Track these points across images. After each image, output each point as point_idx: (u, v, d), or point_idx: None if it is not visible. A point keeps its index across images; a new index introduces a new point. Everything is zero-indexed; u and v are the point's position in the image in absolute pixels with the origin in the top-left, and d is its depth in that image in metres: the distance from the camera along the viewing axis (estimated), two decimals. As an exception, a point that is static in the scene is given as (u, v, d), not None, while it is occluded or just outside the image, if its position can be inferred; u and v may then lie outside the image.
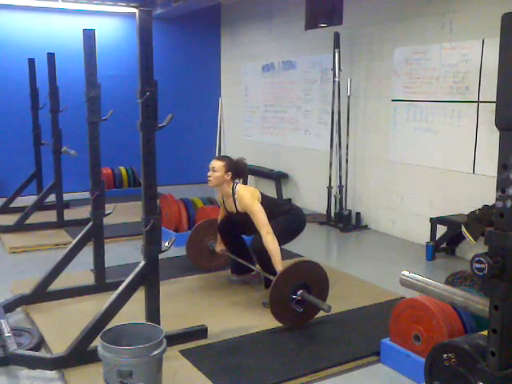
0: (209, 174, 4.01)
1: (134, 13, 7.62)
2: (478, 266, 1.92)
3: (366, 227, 6.34)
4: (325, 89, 6.88)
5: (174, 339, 3.12)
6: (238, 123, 9.03)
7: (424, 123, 5.56)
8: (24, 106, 6.90)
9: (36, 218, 6.03)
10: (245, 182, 6.92)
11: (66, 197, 6.57)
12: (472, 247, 4.75)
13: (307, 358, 3.12)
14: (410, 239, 5.77)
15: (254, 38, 8.39)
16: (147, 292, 3.03)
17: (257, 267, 4.09)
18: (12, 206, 6.72)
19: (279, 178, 7.67)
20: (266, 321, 3.55)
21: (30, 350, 3.09)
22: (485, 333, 2.32)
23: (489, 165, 4.82)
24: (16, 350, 2.94)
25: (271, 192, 7.01)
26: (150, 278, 3.02)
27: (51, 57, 5.88)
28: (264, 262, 3.86)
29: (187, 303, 3.96)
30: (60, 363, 2.93)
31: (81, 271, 4.44)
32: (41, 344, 3.25)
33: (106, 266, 4.09)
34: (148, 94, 2.84)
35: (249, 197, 3.91)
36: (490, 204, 4.58)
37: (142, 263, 3.02)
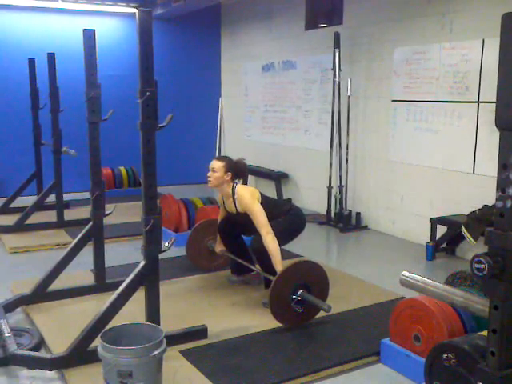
0: (208, 174, 4.00)
1: (134, 13, 7.62)
2: (477, 266, 1.92)
3: (366, 227, 6.34)
4: (325, 89, 6.88)
5: (174, 339, 3.12)
6: (238, 123, 9.03)
7: (424, 123, 5.56)
8: (24, 106, 6.90)
9: (36, 218, 6.03)
10: (245, 183, 6.92)
11: (66, 197, 6.58)
12: (472, 247, 4.75)
13: (307, 358, 3.12)
14: (410, 239, 5.77)
15: (254, 38, 8.39)
16: (147, 292, 3.03)
17: (257, 267, 4.09)
18: (12, 206, 6.72)
19: (279, 177, 7.67)
20: (266, 321, 3.55)
21: (30, 350, 3.09)
22: (485, 333, 2.32)
23: (489, 165, 4.82)
24: (16, 350, 2.94)
25: (271, 192, 7.02)
26: (150, 278, 3.02)
27: (51, 57, 5.88)
28: (264, 263, 3.86)
29: (187, 303, 3.96)
30: (60, 363, 2.93)
31: (81, 271, 4.44)
32: (41, 344, 3.25)
33: (106, 266, 4.09)
34: (148, 93, 2.84)
35: (249, 197, 3.91)
36: (490, 204, 4.58)
37: (142, 263, 3.02)
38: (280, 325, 3.50)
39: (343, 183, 6.40)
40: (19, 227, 5.88)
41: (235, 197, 4.01)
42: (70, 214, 6.35)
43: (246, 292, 4.17)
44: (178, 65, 9.01)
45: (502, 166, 1.88)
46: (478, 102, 4.97)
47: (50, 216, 6.17)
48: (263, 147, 8.33)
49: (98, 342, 2.53)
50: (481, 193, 4.89)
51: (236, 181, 4.07)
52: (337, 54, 6.21)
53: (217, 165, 3.98)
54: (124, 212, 6.52)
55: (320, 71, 6.99)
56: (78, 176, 7.52)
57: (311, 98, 7.22)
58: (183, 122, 8.71)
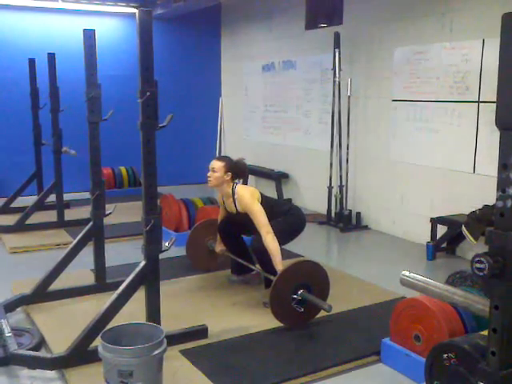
0: (208, 174, 4.01)
1: (134, 13, 7.62)
2: (478, 265, 1.92)
3: (366, 227, 6.34)
4: (325, 89, 6.88)
5: (174, 339, 3.12)
6: (238, 123, 9.03)
7: (424, 123, 5.55)
8: (24, 105, 6.90)
9: (36, 218, 6.03)
10: (245, 183, 6.92)
11: (67, 197, 6.57)
12: (472, 247, 4.75)
13: (307, 358, 3.12)
14: (411, 239, 5.77)
15: (254, 37, 8.39)
16: (147, 292, 3.03)
17: (257, 267, 4.09)
18: (12, 206, 6.72)
19: (279, 177, 7.67)
20: (266, 321, 3.55)
21: (31, 349, 3.09)
22: (485, 332, 2.32)
23: (489, 165, 4.81)
24: (16, 349, 2.94)
25: (271, 192, 7.02)
26: (150, 278, 3.02)
27: (51, 57, 5.89)
28: (264, 262, 3.86)
29: (187, 303, 3.96)
30: (60, 363, 2.93)
31: (81, 271, 4.43)
32: (41, 344, 3.25)
33: (106, 265, 4.09)
34: (148, 93, 2.84)
35: (249, 197, 3.91)
36: (491, 204, 4.58)
37: (143, 263, 3.02)
38: (280, 325, 3.50)
39: (343, 183, 6.40)
40: (19, 227, 5.88)
41: (235, 197, 4.01)
42: (70, 214, 6.35)
43: (247, 292, 4.17)
44: (178, 65, 9.01)
45: (503, 166, 1.88)
46: (479, 101, 4.97)
47: (51, 216, 6.17)
48: (263, 147, 8.33)
49: (98, 342, 2.53)
50: (481, 193, 4.88)
51: (236, 181, 4.07)
52: (337, 54, 6.21)
53: (217, 165, 3.98)
54: (124, 212, 6.51)
55: (320, 71, 6.99)
56: (78, 176, 7.50)
57: (311, 97, 7.22)
58: (183, 121, 8.71)
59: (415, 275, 2.76)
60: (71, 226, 5.96)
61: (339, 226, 6.32)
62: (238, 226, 4.23)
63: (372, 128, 6.26)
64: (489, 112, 4.84)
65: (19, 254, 5.27)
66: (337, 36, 6.20)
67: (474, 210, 4.69)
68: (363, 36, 6.27)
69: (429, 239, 5.23)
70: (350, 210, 6.39)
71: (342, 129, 6.37)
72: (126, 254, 5.07)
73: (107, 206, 4.17)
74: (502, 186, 1.89)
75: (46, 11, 7.96)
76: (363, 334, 3.42)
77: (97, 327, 2.92)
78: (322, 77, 6.96)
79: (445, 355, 2.39)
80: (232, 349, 3.23)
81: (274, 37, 7.93)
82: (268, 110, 8.18)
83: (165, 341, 2.55)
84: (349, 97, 6.30)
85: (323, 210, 6.69)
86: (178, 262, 4.84)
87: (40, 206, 6.20)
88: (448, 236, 5.12)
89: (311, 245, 5.58)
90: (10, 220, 6.04)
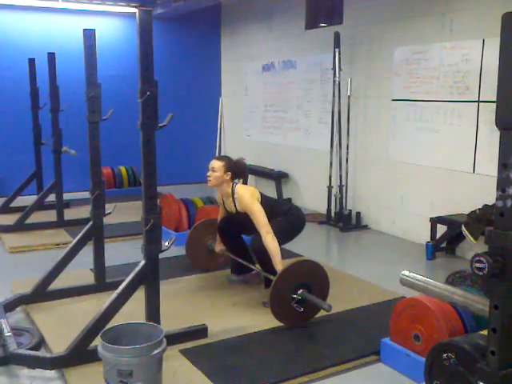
0: (208, 173, 4.01)
1: (134, 13, 7.60)
2: (478, 265, 1.92)
3: (366, 227, 6.34)
4: (325, 89, 6.88)
5: (174, 339, 3.12)
6: (238, 123, 9.03)
7: (424, 123, 5.56)
8: (24, 105, 6.90)
9: (36, 217, 6.03)
10: (245, 183, 6.91)
11: (66, 196, 6.57)
12: (472, 247, 4.75)
13: (307, 358, 3.12)
14: (410, 239, 5.77)
15: (254, 37, 8.39)
16: (147, 291, 3.03)
17: (257, 267, 4.09)
18: (12, 205, 6.71)
19: (279, 177, 7.67)
20: (266, 320, 3.55)
21: (30, 349, 3.09)
22: (485, 332, 2.32)
23: (489, 164, 4.82)
24: (16, 349, 2.94)
25: (271, 192, 7.02)
26: (150, 278, 3.02)
27: (51, 56, 5.89)
28: (264, 262, 3.86)
29: (187, 303, 3.96)
30: (60, 363, 2.93)
31: (81, 271, 4.43)
32: (41, 343, 3.25)
33: (106, 265, 4.09)
34: (148, 93, 2.84)
35: (248, 197, 3.91)
36: (491, 203, 4.58)
37: (142, 263, 3.02)
38: (280, 324, 3.50)
39: (343, 183, 6.40)
40: (19, 227, 5.89)
41: (235, 196, 4.01)
42: (70, 214, 6.36)
43: (246, 291, 4.18)
44: (178, 65, 9.01)
45: (503, 166, 1.88)
46: (478, 101, 4.98)
47: (50, 215, 6.17)
48: (263, 147, 8.33)
49: (98, 342, 2.53)
50: (481, 192, 4.88)
51: (236, 180, 4.08)
52: (337, 54, 6.21)
53: (216, 164, 3.98)
54: (124, 212, 6.51)
55: (320, 71, 6.99)
56: (78, 176, 7.50)
57: (311, 97, 7.22)
58: (183, 121, 8.70)
59: (415, 275, 2.76)
60: (71, 226, 5.96)
61: (339, 225, 6.32)
62: (237, 225, 4.23)
63: (372, 128, 6.26)
64: (489, 112, 4.84)
65: (19, 253, 5.27)
66: (337, 36, 6.20)
67: (473, 209, 4.69)
68: (363, 36, 6.27)
69: (429, 239, 5.23)
70: (350, 210, 6.39)
71: (341, 129, 6.38)
72: (125, 253, 5.07)
73: (107, 205, 4.17)
74: (501, 186, 1.89)
75: (46, 11, 7.96)
76: (363, 334, 3.42)
77: (96, 327, 2.92)
78: (322, 77, 6.96)
79: (444, 355, 2.38)
80: (232, 348, 3.23)
81: (274, 37, 7.93)
82: (268, 110, 8.18)
83: (164, 340, 2.55)
84: (349, 97, 6.30)
85: (323, 209, 6.69)
86: (178, 262, 4.84)
87: (40, 205, 6.20)
88: (448, 236, 5.13)
89: (311, 244, 5.58)
90: (9, 219, 6.04)
